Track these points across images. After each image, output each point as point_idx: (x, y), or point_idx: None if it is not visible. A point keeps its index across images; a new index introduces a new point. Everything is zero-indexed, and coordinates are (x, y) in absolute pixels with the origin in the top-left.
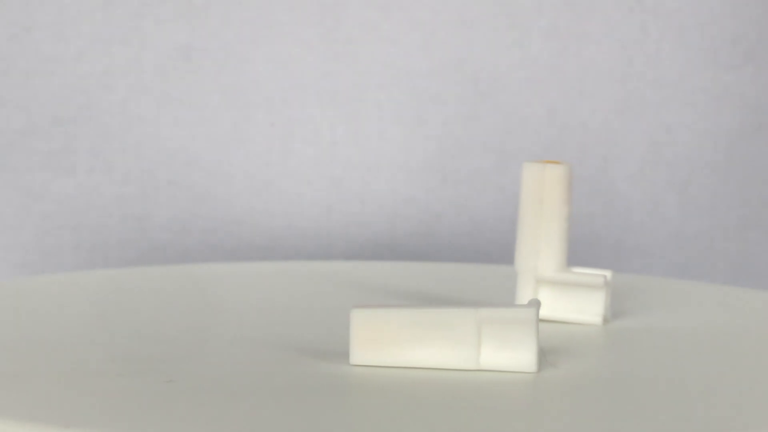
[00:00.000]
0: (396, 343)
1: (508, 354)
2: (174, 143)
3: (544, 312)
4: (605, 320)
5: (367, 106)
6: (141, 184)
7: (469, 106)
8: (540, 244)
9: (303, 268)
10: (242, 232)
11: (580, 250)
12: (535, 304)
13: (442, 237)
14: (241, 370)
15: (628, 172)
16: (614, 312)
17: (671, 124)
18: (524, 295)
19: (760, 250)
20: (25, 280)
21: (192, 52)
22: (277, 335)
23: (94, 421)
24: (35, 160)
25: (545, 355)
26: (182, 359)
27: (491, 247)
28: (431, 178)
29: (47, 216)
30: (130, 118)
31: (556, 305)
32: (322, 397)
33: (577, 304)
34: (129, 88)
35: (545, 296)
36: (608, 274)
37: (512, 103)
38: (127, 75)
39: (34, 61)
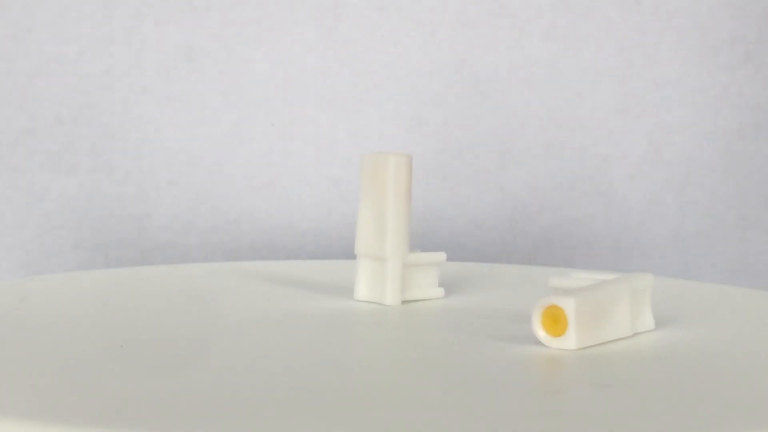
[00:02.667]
0: (594, 323)
1: (641, 318)
2: (174, 143)
3: (415, 293)
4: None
5: (367, 106)
6: (142, 184)
7: (469, 106)
8: (406, 232)
9: (303, 267)
10: (242, 232)
11: (579, 251)
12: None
13: (442, 237)
14: (243, 370)
15: (627, 172)
16: None
17: (670, 124)
18: (394, 280)
19: (759, 249)
20: (26, 279)
21: (192, 52)
22: (281, 336)
23: (94, 421)
24: (36, 160)
25: None
26: (182, 359)
27: (491, 247)
28: (431, 178)
29: (48, 216)
30: (130, 118)
31: (419, 284)
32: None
33: (430, 279)
34: (130, 88)
35: (412, 278)
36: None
37: (512, 103)
38: (128, 75)
39: (35, 62)
